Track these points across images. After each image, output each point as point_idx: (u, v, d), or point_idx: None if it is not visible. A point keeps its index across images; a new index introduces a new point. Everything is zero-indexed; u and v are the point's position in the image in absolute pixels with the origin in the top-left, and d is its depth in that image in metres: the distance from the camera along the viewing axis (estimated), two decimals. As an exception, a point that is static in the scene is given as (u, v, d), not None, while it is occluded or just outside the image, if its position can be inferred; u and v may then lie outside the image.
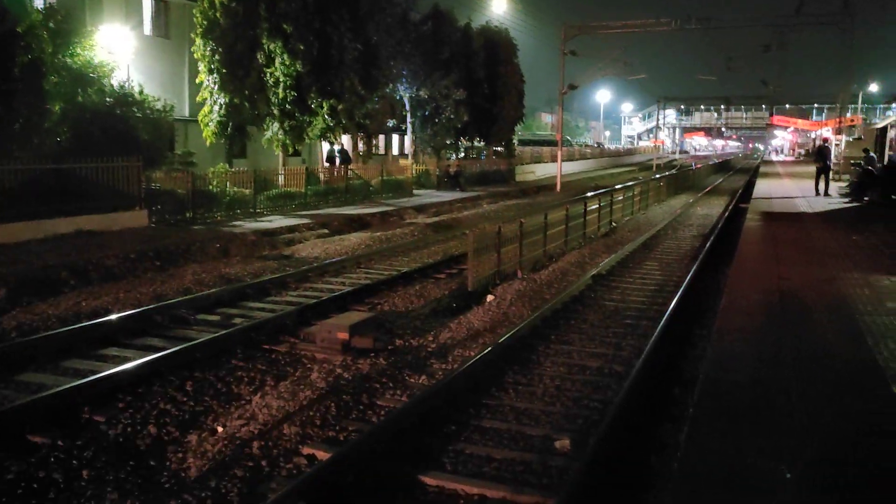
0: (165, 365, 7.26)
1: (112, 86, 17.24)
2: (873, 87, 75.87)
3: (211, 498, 4.73)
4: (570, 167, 50.62)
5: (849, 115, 53.02)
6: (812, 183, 24.14)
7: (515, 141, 43.37)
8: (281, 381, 6.98)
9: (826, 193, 23.02)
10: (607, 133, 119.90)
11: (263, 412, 6.12)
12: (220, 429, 5.86)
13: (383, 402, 6.56)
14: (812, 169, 25.71)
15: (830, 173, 24.60)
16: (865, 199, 21.08)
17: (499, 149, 42.64)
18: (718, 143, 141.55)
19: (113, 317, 9.05)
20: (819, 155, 24.30)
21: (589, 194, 21.26)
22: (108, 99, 17.00)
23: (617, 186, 24.96)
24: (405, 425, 5.74)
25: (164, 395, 6.55)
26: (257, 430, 5.75)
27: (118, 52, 18.76)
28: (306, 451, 5.48)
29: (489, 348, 7.66)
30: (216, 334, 8.37)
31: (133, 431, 5.76)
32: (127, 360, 7.44)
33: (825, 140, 30.97)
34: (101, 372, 6.92)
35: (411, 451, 5.44)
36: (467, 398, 6.59)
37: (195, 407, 6.35)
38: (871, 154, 24.03)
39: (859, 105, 65.22)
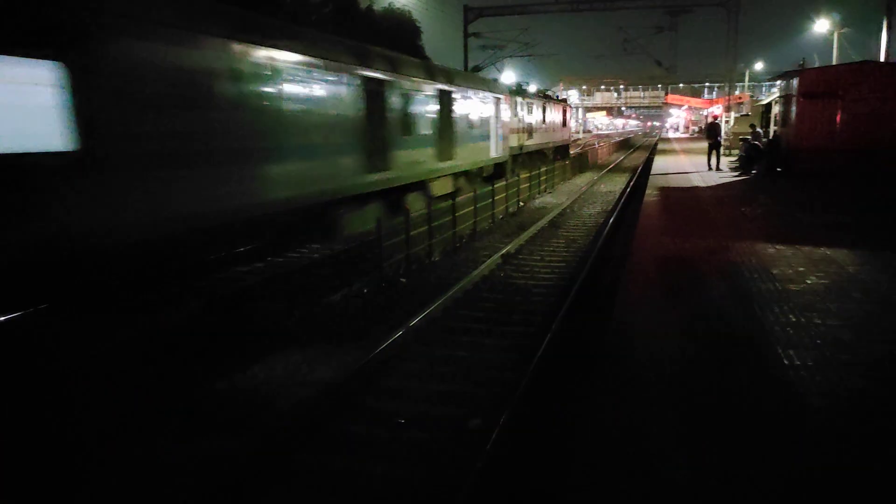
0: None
1: None
2: (759, 66, 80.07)
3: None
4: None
5: (737, 92, 55.86)
6: (704, 158, 25.36)
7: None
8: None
9: (718, 168, 24.22)
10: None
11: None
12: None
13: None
14: (704, 145, 27.00)
15: (721, 148, 25.91)
16: (753, 171, 22.33)
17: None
18: (619, 122, 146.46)
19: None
20: (710, 131, 25.53)
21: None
22: None
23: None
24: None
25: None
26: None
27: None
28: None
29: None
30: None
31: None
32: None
33: (715, 117, 32.54)
34: None
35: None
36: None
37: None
38: (758, 129, 25.44)
39: (746, 83, 68.83)
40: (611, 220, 17.17)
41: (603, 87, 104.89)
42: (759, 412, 4.41)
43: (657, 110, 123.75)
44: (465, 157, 18.98)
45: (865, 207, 14.27)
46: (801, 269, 8.38)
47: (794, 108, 20.28)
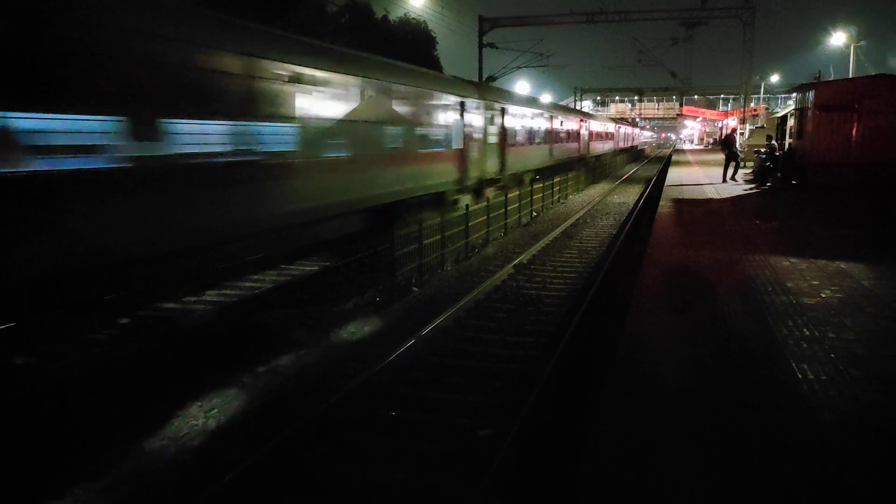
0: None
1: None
2: (774, 78, 79.82)
3: None
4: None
5: (752, 104, 55.61)
6: (719, 170, 25.27)
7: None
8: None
9: (733, 179, 24.14)
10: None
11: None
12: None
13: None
14: (720, 157, 26.89)
15: (738, 160, 25.93)
16: (768, 184, 22.21)
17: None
18: (625, 131, 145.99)
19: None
20: (725, 143, 25.49)
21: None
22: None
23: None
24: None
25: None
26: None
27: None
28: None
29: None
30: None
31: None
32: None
33: (733, 130, 32.49)
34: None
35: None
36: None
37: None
38: (773, 142, 25.33)
39: (761, 95, 68.56)
40: (624, 232, 17.11)
41: (617, 98, 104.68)
42: (769, 427, 4.38)
43: (672, 122, 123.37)
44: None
45: (881, 221, 14.16)
46: (816, 282, 8.32)
47: (809, 121, 20.18)
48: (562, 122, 30.92)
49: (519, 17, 39.58)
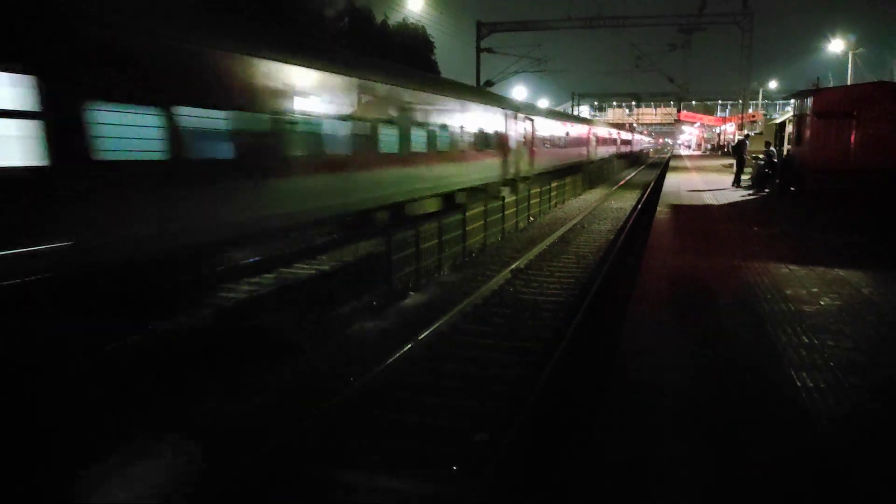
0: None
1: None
2: (773, 84, 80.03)
3: None
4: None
5: (750, 110, 55.71)
6: (717, 176, 25.39)
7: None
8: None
9: (738, 184, 24.47)
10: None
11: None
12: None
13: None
14: (718, 163, 27.02)
15: (743, 166, 26.31)
16: (766, 190, 22.22)
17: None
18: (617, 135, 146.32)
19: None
20: (737, 150, 26.09)
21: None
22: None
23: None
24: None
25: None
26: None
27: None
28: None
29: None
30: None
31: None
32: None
33: (745, 136, 32.76)
34: None
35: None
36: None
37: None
38: (772, 148, 25.36)
39: (760, 101, 68.70)
40: (621, 238, 17.09)
41: (615, 103, 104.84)
42: (768, 435, 4.34)
43: (669, 127, 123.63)
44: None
45: (879, 228, 14.14)
46: (815, 289, 8.29)
47: (808, 128, 20.18)
48: (573, 129, 35.47)
49: (517, 22, 39.59)
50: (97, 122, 6.55)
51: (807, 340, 6.25)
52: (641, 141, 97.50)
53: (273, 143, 9.49)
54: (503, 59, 38.22)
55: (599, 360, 7.77)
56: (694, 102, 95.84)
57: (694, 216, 16.19)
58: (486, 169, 19.70)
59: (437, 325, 8.80)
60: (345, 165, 11.50)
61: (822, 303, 7.65)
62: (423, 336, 8.28)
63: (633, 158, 70.71)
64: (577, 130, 36.31)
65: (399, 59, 36.15)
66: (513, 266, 12.92)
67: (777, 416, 4.64)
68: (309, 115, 10.47)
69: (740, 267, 9.72)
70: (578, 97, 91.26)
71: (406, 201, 14.32)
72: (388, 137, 13.27)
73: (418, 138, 14.90)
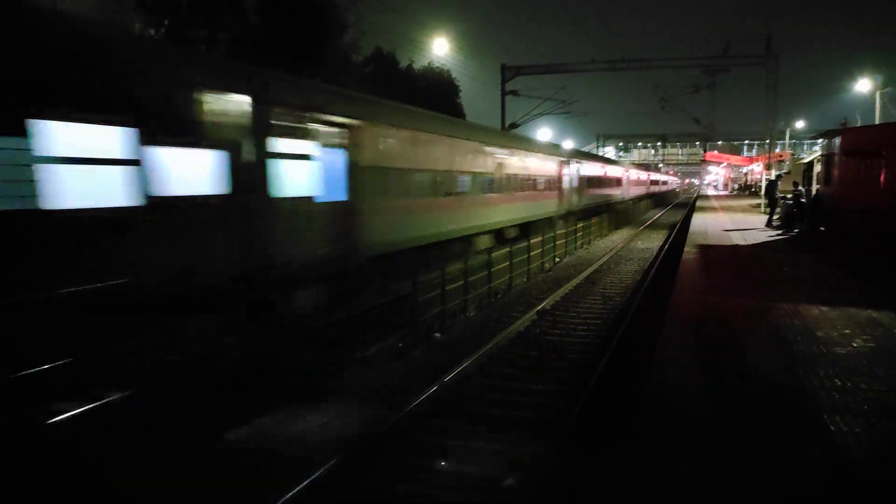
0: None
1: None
2: (800, 124, 79.62)
3: None
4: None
5: (777, 150, 55.38)
6: (744, 216, 25.31)
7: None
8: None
9: (770, 224, 24.50)
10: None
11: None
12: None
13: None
14: (744, 202, 26.98)
15: (775, 206, 26.60)
16: (795, 230, 21.98)
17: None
18: (637, 175, 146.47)
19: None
20: (769, 189, 26.82)
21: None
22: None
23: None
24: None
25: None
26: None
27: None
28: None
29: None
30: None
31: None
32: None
33: (777, 177, 32.84)
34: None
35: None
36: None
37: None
38: (800, 188, 25.17)
39: (787, 140, 68.27)
40: (648, 278, 16.95)
41: (640, 143, 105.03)
42: (804, 479, 4.25)
43: (695, 167, 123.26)
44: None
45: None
46: (847, 331, 8.15)
47: (836, 167, 20.01)
48: (611, 170, 41.17)
49: (541, 65, 40.05)
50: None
51: (839, 383, 6.13)
52: (669, 181, 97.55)
53: (427, 187, 14.63)
54: (528, 101, 38.64)
55: (626, 402, 7.68)
56: (720, 142, 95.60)
57: (722, 256, 16.05)
58: (548, 205, 25.45)
59: (462, 366, 8.77)
60: (463, 202, 17.01)
61: (854, 345, 7.52)
62: (448, 378, 8.25)
63: (660, 198, 71.50)
64: (613, 171, 41.93)
65: (424, 103, 36.77)
66: (538, 307, 12.87)
67: (812, 457, 4.54)
68: (450, 170, 15.99)
69: (770, 308, 9.60)
70: (604, 138, 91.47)
71: (499, 228, 19.89)
72: (487, 181, 18.84)
73: (506, 182, 20.34)
